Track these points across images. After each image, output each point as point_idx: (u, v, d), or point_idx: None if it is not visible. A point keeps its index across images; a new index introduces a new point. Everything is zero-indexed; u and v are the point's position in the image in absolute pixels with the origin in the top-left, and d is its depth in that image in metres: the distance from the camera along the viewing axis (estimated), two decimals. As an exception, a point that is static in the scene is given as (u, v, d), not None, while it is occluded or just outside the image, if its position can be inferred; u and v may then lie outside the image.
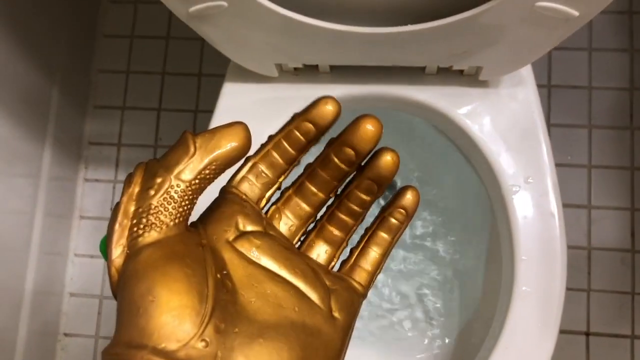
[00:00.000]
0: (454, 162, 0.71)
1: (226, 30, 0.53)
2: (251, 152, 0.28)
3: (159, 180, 0.24)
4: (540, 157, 0.60)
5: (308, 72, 0.62)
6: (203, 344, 0.21)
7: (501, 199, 0.59)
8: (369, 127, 0.27)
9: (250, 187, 0.28)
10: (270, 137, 0.29)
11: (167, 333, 0.21)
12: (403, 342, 0.74)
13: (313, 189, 0.29)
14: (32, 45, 0.90)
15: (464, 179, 0.71)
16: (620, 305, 0.94)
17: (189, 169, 0.25)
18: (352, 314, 0.27)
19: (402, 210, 0.30)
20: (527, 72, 0.61)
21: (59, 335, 1.02)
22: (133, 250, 0.23)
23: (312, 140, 0.28)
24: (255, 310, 0.24)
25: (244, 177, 0.29)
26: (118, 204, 0.25)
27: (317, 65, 0.60)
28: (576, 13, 0.46)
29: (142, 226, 0.24)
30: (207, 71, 1.06)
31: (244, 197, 0.28)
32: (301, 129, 0.28)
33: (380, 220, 0.30)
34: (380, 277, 0.77)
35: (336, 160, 0.28)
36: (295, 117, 0.28)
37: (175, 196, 0.24)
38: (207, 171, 0.25)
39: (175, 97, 1.06)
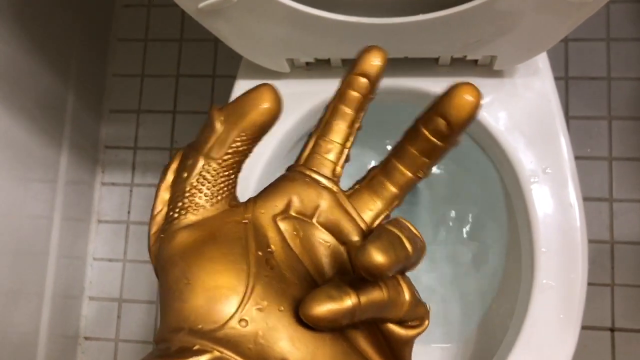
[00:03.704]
0: (471, 153, 0.70)
1: (236, 25, 0.53)
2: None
3: (190, 162, 0.24)
4: (558, 147, 0.58)
5: (320, 67, 0.61)
6: (243, 323, 0.20)
7: (519, 190, 0.58)
8: (467, 98, 0.23)
9: (319, 161, 0.26)
10: (328, 106, 0.27)
11: (203, 314, 0.20)
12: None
13: (401, 167, 0.26)
14: (46, 51, 0.91)
15: (481, 172, 0.69)
16: (646, 300, 0.92)
17: (217, 146, 0.24)
18: None
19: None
20: (542, 61, 0.60)
21: (79, 339, 1.03)
22: (168, 235, 0.23)
23: (367, 95, 0.26)
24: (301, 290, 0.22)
25: (310, 154, 0.26)
26: (155, 195, 0.24)
27: (329, 60, 0.60)
28: (591, -3, 0.45)
29: (177, 210, 0.23)
30: (221, 72, 1.06)
31: (312, 173, 0.26)
32: (354, 85, 0.26)
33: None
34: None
35: (426, 132, 0.24)
36: (346, 76, 0.26)
37: (208, 176, 0.24)
38: (237, 143, 0.24)
39: (190, 99, 1.06)
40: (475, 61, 0.59)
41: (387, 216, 0.26)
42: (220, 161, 0.24)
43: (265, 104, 0.24)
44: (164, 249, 0.23)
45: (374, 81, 0.26)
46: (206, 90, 1.06)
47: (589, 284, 0.56)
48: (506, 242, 0.69)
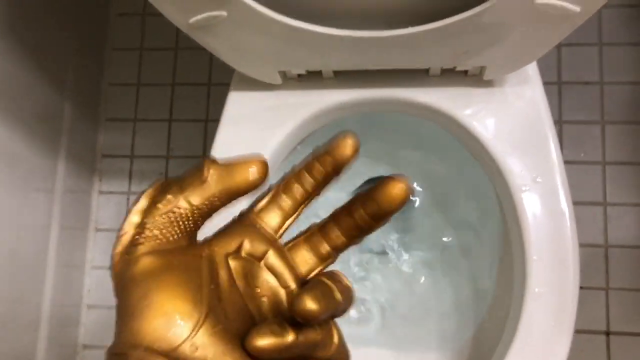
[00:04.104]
0: (462, 162, 0.71)
1: (227, 40, 0.53)
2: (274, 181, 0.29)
3: (169, 197, 0.26)
4: (548, 156, 0.59)
5: (312, 78, 0.62)
6: (193, 348, 0.22)
7: (510, 199, 0.58)
8: (398, 191, 0.27)
9: (269, 215, 0.29)
10: (293, 168, 0.29)
11: (160, 335, 0.22)
12: (416, 340, 0.73)
13: (338, 232, 0.29)
14: (42, 60, 0.91)
15: (473, 181, 0.70)
16: (641, 303, 0.92)
17: (198, 194, 0.26)
18: None
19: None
20: (532, 70, 0.61)
21: (78, 347, 1.03)
22: (133, 258, 0.25)
23: (332, 174, 0.28)
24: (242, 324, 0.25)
25: (264, 205, 0.29)
26: (126, 215, 0.26)
27: (320, 71, 0.60)
28: (577, 9, 0.46)
29: (145, 236, 0.25)
30: (216, 80, 1.07)
31: (263, 224, 0.29)
32: (322, 162, 0.28)
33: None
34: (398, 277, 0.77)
35: (362, 212, 0.28)
36: (317, 151, 0.28)
37: (181, 215, 0.26)
38: (216, 200, 0.26)
39: (186, 107, 1.07)
40: (466, 72, 0.59)
41: (322, 269, 0.29)
42: (195, 207, 0.26)
43: (253, 176, 0.26)
44: (127, 269, 0.25)
45: (341, 166, 0.28)
46: (202, 98, 1.07)
47: (584, 287, 0.56)
48: (500, 251, 0.69)
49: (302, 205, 0.29)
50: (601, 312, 0.92)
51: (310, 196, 0.29)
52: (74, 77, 1.00)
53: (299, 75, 0.62)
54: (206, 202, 0.26)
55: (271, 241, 0.28)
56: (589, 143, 0.96)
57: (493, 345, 0.59)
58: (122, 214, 1.04)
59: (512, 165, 0.58)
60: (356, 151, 0.28)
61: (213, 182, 0.26)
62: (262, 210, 0.29)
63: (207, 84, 1.07)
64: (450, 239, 0.77)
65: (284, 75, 0.61)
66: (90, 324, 1.04)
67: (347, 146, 0.27)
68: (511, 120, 0.59)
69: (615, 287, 0.93)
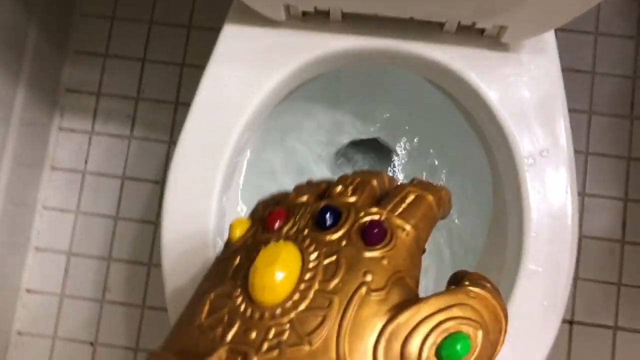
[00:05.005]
0: (457, 131, 0.68)
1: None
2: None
3: None
4: (558, 131, 0.56)
5: (317, 19, 0.57)
6: None
7: (513, 170, 0.56)
8: None
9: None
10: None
11: None
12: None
13: None
14: (11, -25, 0.83)
15: (469, 150, 0.67)
16: (606, 296, 0.92)
17: None
18: None
19: None
20: (550, 39, 0.58)
21: (21, 291, 0.96)
22: None
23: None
24: None
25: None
26: None
27: (328, 12, 0.56)
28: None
29: None
30: (197, 23, 1.00)
31: None
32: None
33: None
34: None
35: None
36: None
37: None
38: None
39: (162, 48, 1.00)
40: (482, 31, 0.56)
41: None
42: None
43: None
44: None
45: None
46: (180, 41, 1.00)
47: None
48: (489, 223, 0.67)
49: None
50: (568, 301, 0.92)
51: None
52: (43, 1, 0.92)
53: (304, 14, 0.57)
54: None
55: None
56: (574, 132, 0.94)
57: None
58: (83, 153, 0.98)
59: (519, 135, 0.56)
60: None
61: None
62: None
63: (187, 26, 1.00)
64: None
65: (288, 11, 0.56)
66: (36, 267, 0.97)
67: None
68: (523, 89, 0.56)
69: (584, 277, 0.92)
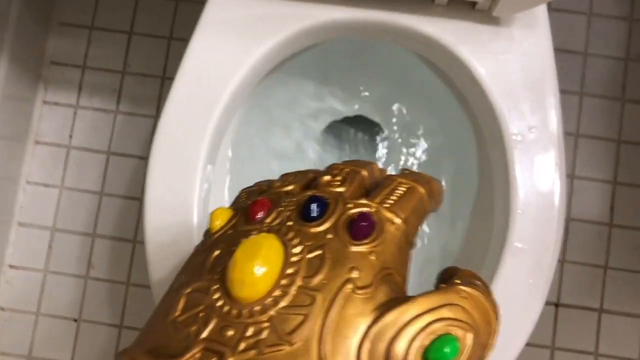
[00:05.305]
0: (446, 108, 0.67)
1: None
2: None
3: None
4: (547, 107, 0.55)
5: (306, -11, 0.55)
6: None
7: (501, 147, 0.55)
8: None
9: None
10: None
11: None
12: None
13: None
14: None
15: (458, 126, 0.66)
16: (593, 279, 0.92)
17: None
18: None
19: None
20: (542, 15, 0.57)
21: (4, 267, 0.95)
22: None
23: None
24: None
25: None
26: None
27: (316, -18, 0.54)
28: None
29: None
30: (186, -4, 0.98)
31: None
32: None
33: None
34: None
35: None
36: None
37: None
38: None
39: (149, 21, 0.98)
40: (474, 4, 0.55)
41: None
42: None
43: None
44: None
45: None
46: (168, 14, 0.98)
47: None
48: (474, 200, 0.66)
49: None
50: (554, 283, 0.92)
51: None
52: (26, -30, 0.89)
53: (292, -16, 0.55)
54: None
55: None
56: (565, 113, 0.94)
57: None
58: (67, 128, 0.96)
59: (508, 111, 0.55)
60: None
61: None
62: None
63: (175, -1, 0.98)
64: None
65: (275, -20, 0.54)
66: (19, 243, 0.95)
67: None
68: (514, 64, 0.55)
69: (571, 260, 0.92)
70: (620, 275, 0.92)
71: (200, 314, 0.23)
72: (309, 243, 0.24)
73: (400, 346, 0.22)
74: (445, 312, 0.22)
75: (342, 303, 0.22)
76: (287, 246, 0.24)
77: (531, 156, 0.54)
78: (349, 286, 0.22)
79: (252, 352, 0.21)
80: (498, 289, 0.52)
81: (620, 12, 0.96)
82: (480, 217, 0.64)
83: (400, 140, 0.73)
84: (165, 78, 0.96)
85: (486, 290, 0.24)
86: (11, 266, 0.95)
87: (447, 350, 0.22)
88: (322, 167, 0.30)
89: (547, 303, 0.90)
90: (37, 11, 0.95)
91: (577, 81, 0.95)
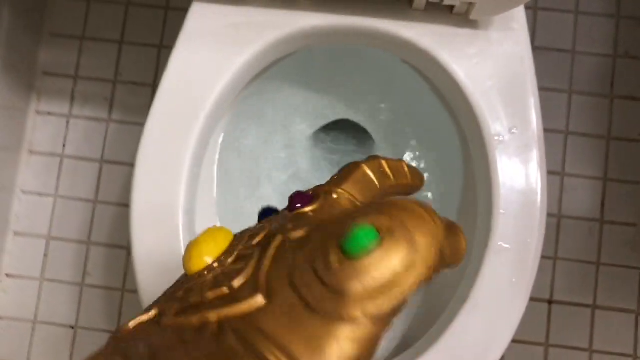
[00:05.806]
0: (430, 109, 0.67)
1: None
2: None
3: None
4: (527, 108, 0.56)
5: (285, -3, 0.56)
6: None
7: (482, 148, 0.55)
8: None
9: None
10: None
11: None
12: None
13: None
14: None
15: (442, 128, 0.67)
16: (585, 275, 0.92)
17: None
18: None
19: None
20: (520, 17, 0.57)
21: (0, 276, 0.96)
22: None
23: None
24: None
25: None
26: None
27: (296, -10, 0.55)
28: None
29: None
30: (175, 4, 0.99)
31: None
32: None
33: None
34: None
35: None
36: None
37: None
38: None
39: (139, 30, 0.99)
40: (451, 8, 0.55)
41: None
42: None
43: None
44: None
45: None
46: (158, 22, 0.99)
47: (534, 255, 0.54)
48: (460, 200, 0.66)
49: None
50: (547, 280, 0.92)
51: None
52: (16, -18, 0.90)
53: (272, -8, 0.56)
54: None
55: None
56: (554, 111, 0.95)
57: (447, 297, 0.57)
58: (60, 137, 0.97)
59: (488, 112, 0.55)
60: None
61: None
62: None
63: (164, 7, 0.99)
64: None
65: (255, -11, 0.55)
66: (15, 252, 0.96)
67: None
68: (492, 66, 0.56)
69: (563, 257, 0.93)
70: (613, 271, 0.92)
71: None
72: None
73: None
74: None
75: (276, 248, 0.23)
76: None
77: (512, 156, 0.55)
78: (284, 236, 0.23)
79: (196, 297, 0.23)
80: (481, 287, 0.53)
81: (606, 10, 0.96)
82: (465, 217, 0.65)
83: (384, 143, 0.74)
84: (156, 86, 0.97)
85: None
86: (7, 275, 0.96)
87: (359, 232, 0.20)
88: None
89: (541, 300, 0.91)
90: (29, 22, 0.96)
91: (565, 79, 0.96)
